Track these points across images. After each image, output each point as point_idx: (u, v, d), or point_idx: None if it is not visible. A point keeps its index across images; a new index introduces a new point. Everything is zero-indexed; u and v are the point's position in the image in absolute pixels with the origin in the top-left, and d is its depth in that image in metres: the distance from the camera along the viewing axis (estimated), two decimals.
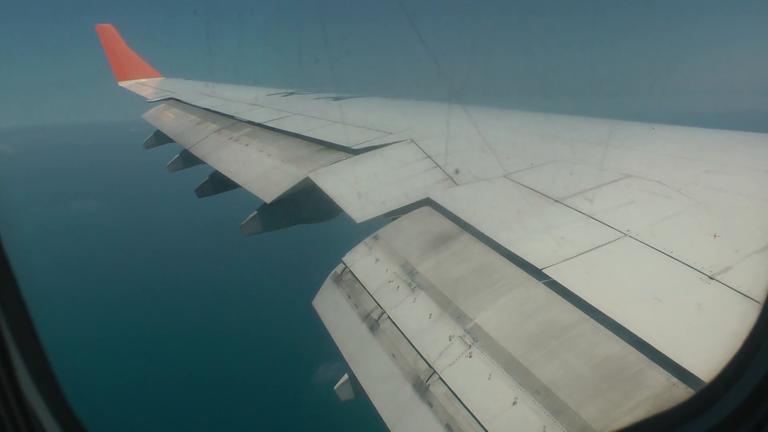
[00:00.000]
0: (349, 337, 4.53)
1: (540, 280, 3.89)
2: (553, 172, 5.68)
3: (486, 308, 3.87)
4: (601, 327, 3.31)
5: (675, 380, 2.82)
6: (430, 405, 3.45)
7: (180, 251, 71.22)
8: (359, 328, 4.48)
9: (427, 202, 5.61)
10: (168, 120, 14.85)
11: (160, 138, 14.74)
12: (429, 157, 6.76)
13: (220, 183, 10.71)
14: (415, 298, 4.33)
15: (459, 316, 3.92)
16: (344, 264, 5.30)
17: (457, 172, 6.14)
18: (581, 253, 4.00)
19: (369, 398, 3.93)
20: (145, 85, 20.46)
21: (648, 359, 2.98)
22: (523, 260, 4.12)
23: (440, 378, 3.55)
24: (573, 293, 3.60)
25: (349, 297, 4.89)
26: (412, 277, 4.58)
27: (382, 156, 7.24)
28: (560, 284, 3.73)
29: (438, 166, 6.45)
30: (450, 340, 3.75)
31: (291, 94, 14.31)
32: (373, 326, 4.37)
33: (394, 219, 5.64)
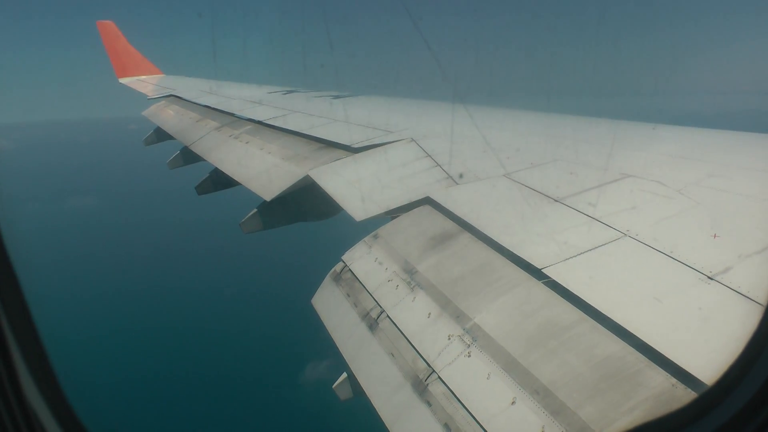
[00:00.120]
0: (348, 335, 4.53)
1: (539, 280, 3.89)
2: (553, 172, 5.67)
3: (485, 308, 3.87)
4: (601, 327, 3.30)
5: (674, 381, 2.82)
6: (429, 404, 3.45)
7: (180, 249, 71.26)
8: (358, 327, 4.48)
9: (427, 201, 5.61)
10: (168, 117, 14.84)
11: (161, 135, 14.72)
12: (429, 156, 6.75)
13: (220, 180, 10.71)
14: (415, 297, 4.32)
15: (458, 316, 3.92)
16: (344, 262, 5.30)
17: (457, 171, 6.14)
18: (581, 253, 4.00)
19: (368, 397, 3.92)
20: (146, 82, 20.43)
21: (647, 360, 2.98)
22: (523, 260, 4.12)
23: (439, 377, 3.55)
24: (572, 293, 3.60)
25: (349, 296, 4.88)
26: (411, 276, 4.58)
27: (382, 155, 7.23)
28: (560, 284, 3.72)
29: (438, 165, 6.44)
30: (449, 339, 3.75)
31: (291, 92, 14.29)
32: (372, 325, 4.37)
33: (393, 218, 5.63)
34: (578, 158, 5.93)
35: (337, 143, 8.00)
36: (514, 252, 4.24)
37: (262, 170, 8.40)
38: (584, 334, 3.31)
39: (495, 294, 3.95)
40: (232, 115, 12.10)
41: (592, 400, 2.91)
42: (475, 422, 3.16)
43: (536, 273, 3.95)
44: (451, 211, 5.20)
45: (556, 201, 4.87)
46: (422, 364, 3.73)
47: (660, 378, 2.87)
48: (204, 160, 10.68)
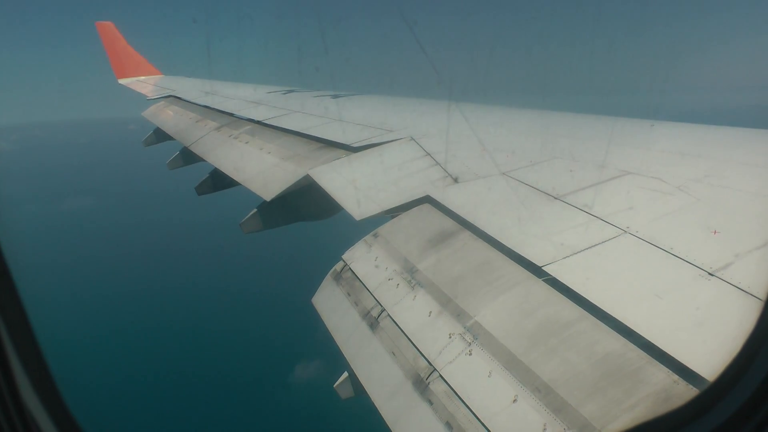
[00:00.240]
0: (349, 334, 4.52)
1: (540, 278, 3.89)
2: (552, 170, 5.67)
3: (486, 306, 3.87)
4: (602, 324, 3.30)
5: (675, 377, 2.82)
6: (430, 403, 3.44)
7: (179, 249, 71.22)
8: (359, 326, 4.48)
9: (427, 199, 5.61)
10: (168, 117, 14.83)
11: (160, 135, 14.72)
12: (428, 154, 6.75)
13: (219, 181, 10.71)
14: (415, 296, 4.32)
15: (459, 314, 3.92)
16: (344, 261, 5.30)
17: (457, 170, 6.13)
18: (581, 251, 4.00)
19: (369, 396, 3.92)
20: (145, 83, 20.43)
21: (648, 356, 2.98)
22: (523, 258, 4.11)
23: (440, 376, 3.55)
24: (573, 290, 3.60)
25: (349, 295, 4.88)
26: (411, 275, 4.58)
27: (381, 154, 7.23)
28: (560, 281, 3.72)
29: (437, 163, 6.44)
30: (450, 337, 3.75)
31: (291, 92, 14.28)
32: (373, 324, 4.37)
33: (393, 217, 5.63)
34: (577, 156, 5.93)
35: (336, 143, 8.00)
36: (515, 250, 4.24)
37: (262, 170, 8.39)
38: (585, 332, 3.31)
39: (496, 292, 3.95)
40: (232, 115, 12.10)
41: (593, 397, 2.91)
42: (476, 420, 3.15)
43: (537, 271, 3.95)
44: (451, 210, 5.20)
45: (555, 199, 4.86)
46: (423, 363, 3.73)
47: (661, 375, 2.87)
48: (204, 160, 10.68)
